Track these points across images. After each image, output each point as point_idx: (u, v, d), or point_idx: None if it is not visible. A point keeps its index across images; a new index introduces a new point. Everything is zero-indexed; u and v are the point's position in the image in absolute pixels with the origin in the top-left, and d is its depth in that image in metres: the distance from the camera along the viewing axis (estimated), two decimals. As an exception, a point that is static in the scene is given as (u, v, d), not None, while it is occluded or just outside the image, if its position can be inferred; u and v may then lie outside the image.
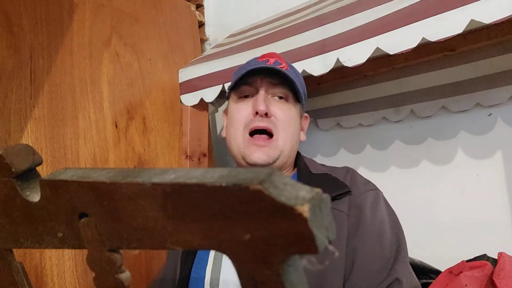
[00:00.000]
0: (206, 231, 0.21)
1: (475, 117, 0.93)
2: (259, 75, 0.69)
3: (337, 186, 0.65)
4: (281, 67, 0.68)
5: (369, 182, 0.70)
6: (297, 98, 0.72)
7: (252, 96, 0.71)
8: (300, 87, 0.70)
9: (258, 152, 0.67)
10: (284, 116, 0.69)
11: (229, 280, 0.63)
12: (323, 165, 0.75)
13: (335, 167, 0.74)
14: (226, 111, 0.80)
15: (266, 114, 0.67)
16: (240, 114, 0.70)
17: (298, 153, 0.78)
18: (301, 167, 0.73)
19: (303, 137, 0.77)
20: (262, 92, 0.68)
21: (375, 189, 0.68)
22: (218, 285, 0.64)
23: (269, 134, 0.69)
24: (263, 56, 0.72)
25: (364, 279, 0.57)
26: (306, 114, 0.79)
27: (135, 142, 1.04)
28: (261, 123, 0.67)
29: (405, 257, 0.62)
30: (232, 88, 0.73)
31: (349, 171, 0.71)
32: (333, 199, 0.63)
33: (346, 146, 1.17)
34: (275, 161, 0.68)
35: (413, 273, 0.62)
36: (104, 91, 0.98)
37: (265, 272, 0.19)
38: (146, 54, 1.12)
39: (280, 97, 0.71)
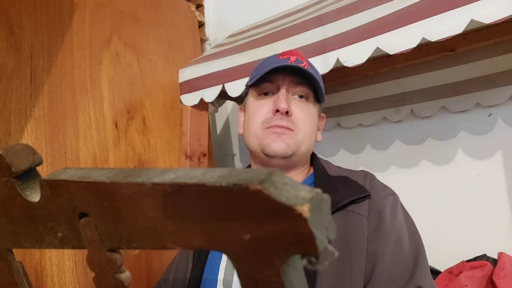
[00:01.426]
0: (206, 231, 0.21)
1: (475, 117, 0.93)
2: (281, 72, 0.68)
3: (357, 189, 0.64)
4: (303, 66, 0.67)
5: (387, 187, 0.69)
6: (317, 98, 0.72)
7: (273, 93, 0.70)
8: (321, 85, 0.69)
9: (278, 141, 0.66)
10: (304, 115, 0.68)
11: None
12: (339, 167, 0.75)
13: (352, 170, 0.73)
14: (242, 108, 0.79)
15: (287, 112, 0.66)
16: (260, 111, 0.69)
17: (314, 154, 0.77)
18: (318, 168, 0.73)
19: (319, 137, 0.76)
20: (283, 91, 0.67)
21: (394, 194, 0.68)
22: (231, 286, 0.64)
23: (288, 129, 0.68)
24: (284, 53, 0.71)
25: (385, 283, 0.57)
26: (323, 114, 0.78)
27: (135, 142, 1.04)
28: (281, 122, 0.66)
29: (425, 262, 0.61)
30: (252, 85, 0.72)
31: (368, 175, 0.70)
32: (353, 202, 0.63)
33: (346, 146, 1.17)
34: (293, 154, 0.67)
35: (433, 280, 0.61)
36: (104, 91, 0.98)
37: (265, 272, 0.19)
38: (146, 54, 1.12)
39: (301, 96, 0.70)
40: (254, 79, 0.70)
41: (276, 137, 0.66)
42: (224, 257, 0.68)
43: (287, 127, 0.67)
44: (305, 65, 0.68)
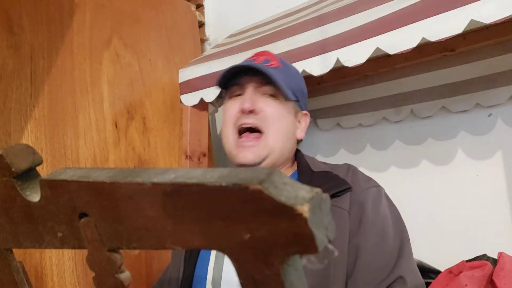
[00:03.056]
0: (206, 231, 0.21)
1: (475, 117, 0.93)
2: (248, 74, 0.69)
3: (337, 183, 0.65)
4: (270, 65, 0.68)
5: (370, 179, 0.69)
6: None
7: (242, 94, 0.71)
8: (287, 85, 0.68)
9: (245, 152, 0.67)
10: (273, 111, 0.69)
11: (231, 279, 0.63)
12: (324, 163, 0.75)
13: (336, 165, 0.73)
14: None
15: (252, 111, 0.67)
16: (229, 113, 0.71)
17: (299, 151, 0.77)
18: (302, 165, 0.73)
19: (300, 134, 0.75)
20: (248, 91, 0.69)
21: (377, 185, 0.68)
22: (220, 284, 0.64)
23: (258, 131, 0.68)
24: (254, 55, 0.73)
25: (367, 276, 0.57)
26: (305, 112, 0.77)
27: (135, 142, 1.04)
28: (248, 120, 0.67)
29: (409, 253, 0.61)
30: (225, 89, 0.74)
31: (350, 168, 0.70)
32: (333, 196, 0.63)
33: (346, 146, 1.17)
34: (264, 160, 0.68)
35: (417, 270, 0.62)
36: (104, 91, 0.98)
37: (265, 272, 0.19)
38: (146, 54, 1.12)
39: (271, 95, 0.70)
40: (218, 80, 0.72)
41: (244, 149, 0.68)
42: (213, 257, 0.68)
43: (255, 125, 0.67)
44: (273, 64, 0.68)
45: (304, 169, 0.71)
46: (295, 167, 0.76)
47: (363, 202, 0.63)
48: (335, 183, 0.65)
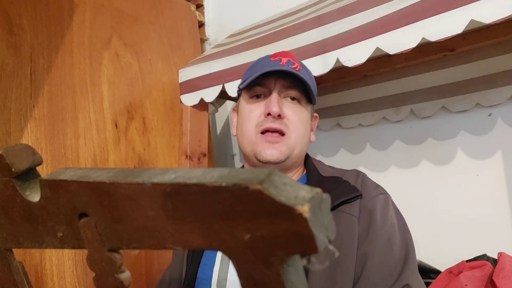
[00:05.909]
0: (206, 231, 0.21)
1: (475, 117, 0.93)
2: (272, 76, 0.68)
3: (349, 189, 0.65)
4: (294, 67, 0.67)
5: (378, 186, 0.69)
6: (309, 100, 0.72)
7: (265, 96, 0.70)
8: (312, 88, 0.70)
9: (271, 149, 0.67)
10: (296, 117, 0.69)
11: (237, 281, 0.63)
12: (331, 167, 0.75)
13: (344, 170, 0.73)
14: (235, 109, 0.79)
15: (279, 115, 0.67)
16: (252, 114, 0.70)
17: (307, 155, 0.78)
18: (310, 169, 0.73)
19: (312, 137, 0.77)
20: (275, 94, 0.68)
21: (385, 193, 0.68)
22: (225, 285, 0.64)
23: (280, 133, 0.68)
24: (276, 54, 0.71)
25: (374, 283, 0.57)
26: (315, 114, 0.79)
27: (135, 142, 1.04)
28: (273, 124, 0.67)
29: (414, 261, 0.62)
30: (244, 87, 0.73)
31: (360, 175, 0.70)
32: (344, 202, 0.63)
33: (346, 146, 1.17)
34: (287, 159, 0.68)
35: (420, 278, 0.62)
36: (104, 91, 0.98)
37: (265, 272, 0.19)
38: (146, 54, 1.12)
39: (293, 98, 0.70)
40: (246, 82, 0.70)
41: (269, 145, 0.67)
42: (218, 258, 0.68)
43: (279, 129, 0.67)
44: (296, 67, 0.68)
45: (313, 173, 0.72)
46: (304, 170, 0.76)
47: (372, 209, 0.63)
48: (345, 190, 0.65)
